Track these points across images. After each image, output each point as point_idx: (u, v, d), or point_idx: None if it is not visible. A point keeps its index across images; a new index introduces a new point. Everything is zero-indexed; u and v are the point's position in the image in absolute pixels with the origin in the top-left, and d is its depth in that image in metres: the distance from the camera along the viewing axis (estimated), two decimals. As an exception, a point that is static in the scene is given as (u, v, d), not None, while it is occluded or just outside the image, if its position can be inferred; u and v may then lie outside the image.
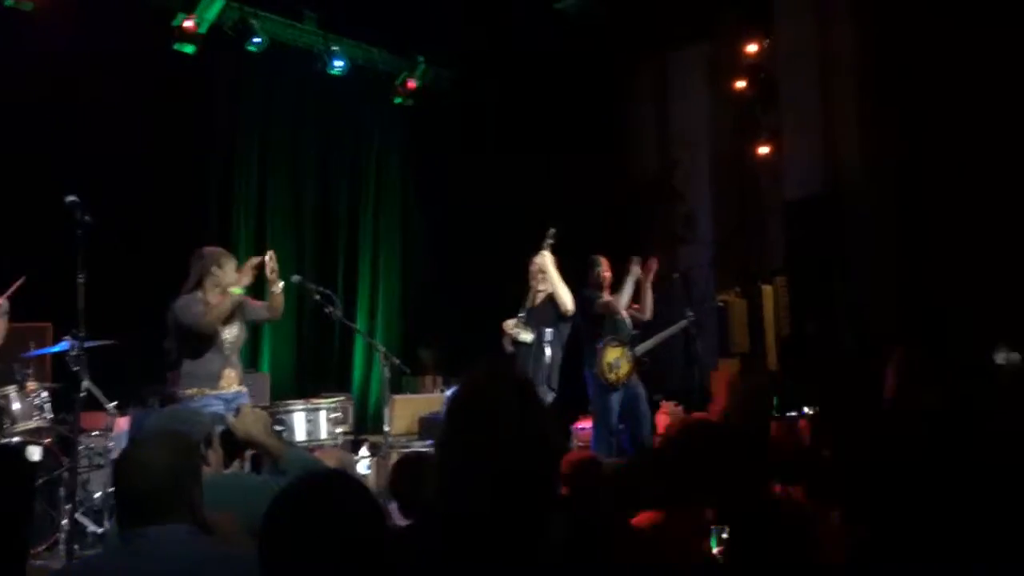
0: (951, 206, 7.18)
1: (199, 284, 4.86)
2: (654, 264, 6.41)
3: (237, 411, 2.74)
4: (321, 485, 1.61)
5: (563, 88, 9.31)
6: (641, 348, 6.33)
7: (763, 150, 9.03)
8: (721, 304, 8.15)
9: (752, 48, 8.93)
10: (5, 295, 5.30)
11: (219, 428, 2.69)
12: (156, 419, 2.70)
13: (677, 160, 9.77)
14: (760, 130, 9.09)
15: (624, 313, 6.29)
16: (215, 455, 2.61)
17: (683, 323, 6.47)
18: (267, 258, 4.96)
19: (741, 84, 9.11)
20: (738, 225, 9.41)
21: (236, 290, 4.80)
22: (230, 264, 4.88)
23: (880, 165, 7.82)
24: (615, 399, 6.18)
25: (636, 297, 6.42)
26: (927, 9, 7.39)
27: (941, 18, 7.27)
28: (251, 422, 2.67)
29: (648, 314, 6.42)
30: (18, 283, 5.32)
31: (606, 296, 6.24)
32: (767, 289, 8.43)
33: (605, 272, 6.30)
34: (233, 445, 2.71)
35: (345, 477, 1.71)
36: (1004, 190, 6.92)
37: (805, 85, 8.25)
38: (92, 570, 1.99)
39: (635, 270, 6.32)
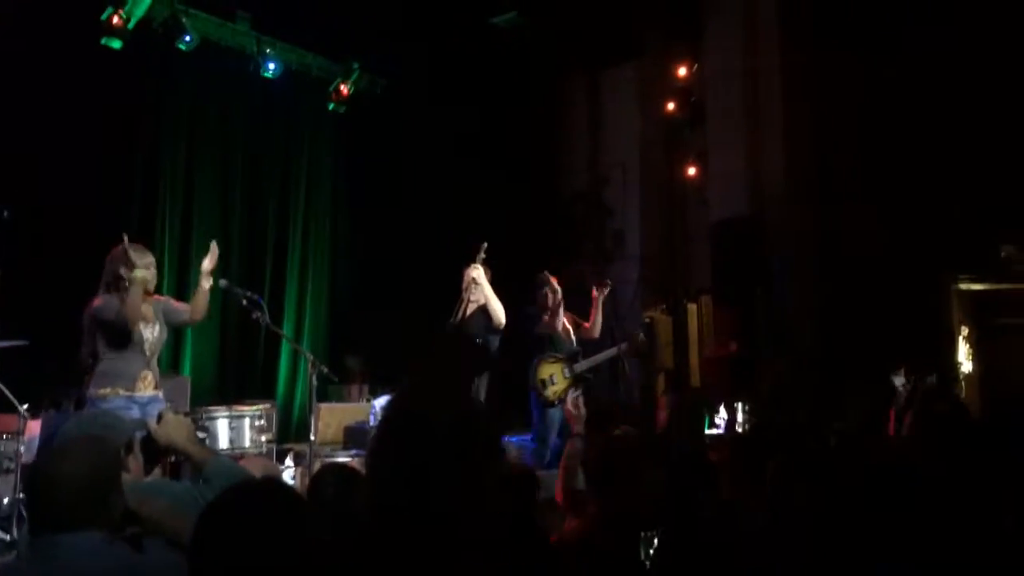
0: (870, 227, 7.47)
1: (112, 287, 4.70)
2: (607, 286, 6.63)
3: (159, 416, 2.67)
4: (253, 496, 1.59)
5: (496, 101, 9.38)
6: (580, 366, 6.45)
7: (691, 171, 9.24)
8: (647, 321, 8.29)
9: (682, 71, 9.14)
10: None
11: (140, 434, 2.62)
12: (75, 423, 2.60)
13: (608, 177, 9.92)
14: (688, 151, 9.30)
15: (562, 331, 6.41)
16: (135, 461, 2.53)
17: (615, 351, 6.62)
18: (212, 250, 4.87)
19: (671, 105, 9.30)
20: (666, 243, 9.59)
21: (136, 273, 4.61)
22: (136, 255, 4.68)
23: (802, 187, 8.08)
24: (554, 414, 6.26)
25: (585, 315, 6.63)
26: (851, 35, 7.69)
27: (865, 44, 7.57)
28: (174, 428, 2.60)
29: (596, 333, 6.60)
30: None
31: (547, 318, 6.36)
32: (692, 307, 8.61)
33: (553, 293, 6.40)
34: (154, 451, 2.64)
35: (277, 486, 1.69)
36: (922, 211, 7.21)
37: (730, 108, 8.48)
38: None
39: (597, 294, 6.57)
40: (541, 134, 10.02)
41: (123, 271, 4.66)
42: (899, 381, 5.39)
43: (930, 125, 7.20)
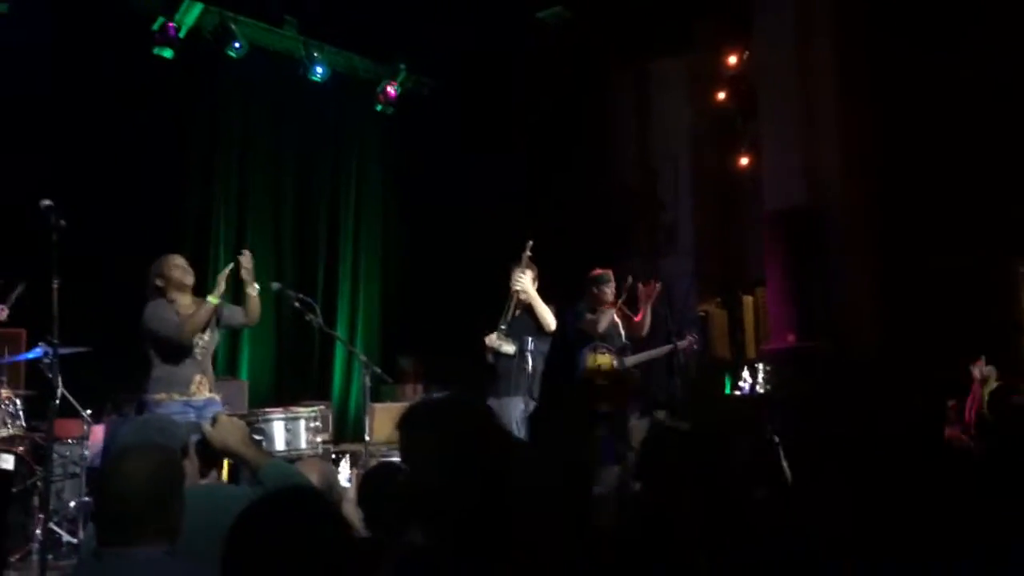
0: (930, 216, 7.25)
1: (160, 292, 4.82)
2: (657, 286, 6.57)
3: (214, 420, 2.68)
4: (284, 505, 1.57)
5: (544, 97, 9.32)
6: (631, 361, 6.43)
7: (743, 161, 9.08)
8: (702, 315, 8.18)
9: (732, 59, 8.98)
10: (7, 303, 5.26)
11: (195, 437, 2.63)
12: (131, 430, 2.63)
13: (658, 171, 9.80)
14: (741, 141, 9.14)
15: (610, 325, 6.37)
16: (191, 465, 2.54)
17: (669, 348, 6.59)
18: (242, 259, 4.93)
19: (721, 95, 9.15)
20: (719, 235, 9.44)
21: (212, 299, 4.75)
22: (171, 262, 4.84)
23: (859, 175, 7.88)
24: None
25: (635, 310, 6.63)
26: (907, 19, 7.48)
27: (921, 28, 7.36)
28: (228, 432, 2.61)
29: (645, 331, 6.57)
30: (17, 290, 5.28)
31: (596, 316, 6.33)
32: (748, 300, 8.47)
33: (611, 289, 6.38)
34: (209, 455, 2.65)
35: (313, 496, 1.67)
36: (982, 199, 7.00)
37: (784, 96, 8.30)
38: None
39: (644, 295, 6.54)
40: (590, 129, 9.93)
41: (159, 283, 4.77)
42: (979, 370, 5.27)
43: (992, 108, 6.98)
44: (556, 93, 9.36)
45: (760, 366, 7.03)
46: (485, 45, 8.85)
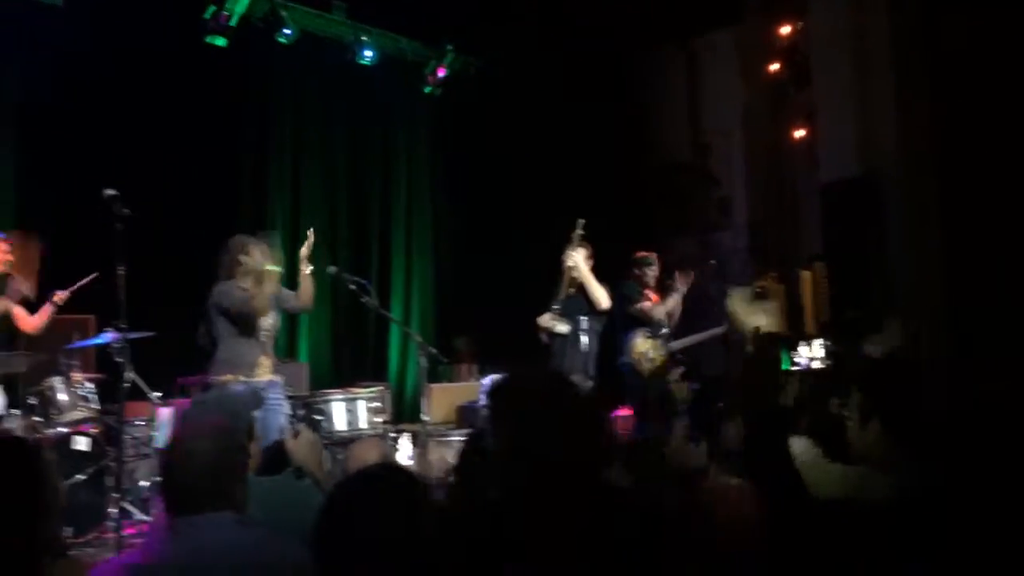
0: (994, 186, 7.05)
1: (230, 274, 4.91)
2: (691, 276, 6.56)
3: (297, 433, 2.75)
4: (373, 481, 1.61)
5: (593, 74, 9.25)
6: (677, 344, 6.41)
7: (798, 133, 8.92)
8: (758, 291, 8.08)
9: (784, 30, 8.81)
10: (70, 289, 5.43)
11: (258, 414, 2.69)
12: (198, 409, 2.70)
13: (710, 145, 9.67)
14: (794, 113, 8.97)
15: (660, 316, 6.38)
16: (255, 447, 2.60)
17: (720, 330, 6.56)
18: (309, 237, 5.04)
19: (774, 67, 8.99)
20: (774, 210, 9.30)
21: (273, 267, 4.82)
22: (256, 249, 4.91)
23: (918, 145, 7.68)
24: (652, 389, 6.25)
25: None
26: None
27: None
28: (308, 451, 2.68)
29: (674, 321, 6.54)
30: (88, 280, 5.44)
31: (646, 301, 6.36)
32: (805, 274, 8.33)
33: (654, 272, 6.36)
34: (282, 462, 2.71)
35: (396, 470, 1.70)
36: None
37: (840, 66, 8.11)
38: (144, 559, 2.00)
39: (680, 287, 6.51)
40: (639, 106, 9.84)
41: (243, 258, 4.85)
42: None
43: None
44: (604, 71, 9.28)
45: (819, 341, 6.93)
46: (532, 22, 8.81)
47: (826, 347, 7.00)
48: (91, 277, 5.47)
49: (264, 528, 2.02)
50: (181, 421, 4.99)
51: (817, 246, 8.38)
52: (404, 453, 5.82)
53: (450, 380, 8.02)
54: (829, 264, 8.06)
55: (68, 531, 4.63)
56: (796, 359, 6.98)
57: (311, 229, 5.22)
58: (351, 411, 5.36)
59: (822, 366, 6.80)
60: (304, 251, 5.08)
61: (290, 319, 7.51)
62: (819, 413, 3.75)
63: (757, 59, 9.17)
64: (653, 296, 6.46)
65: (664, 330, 6.45)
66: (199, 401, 2.95)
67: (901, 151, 7.75)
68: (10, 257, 5.34)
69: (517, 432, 1.75)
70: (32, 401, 5.23)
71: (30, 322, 5.43)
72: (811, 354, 6.81)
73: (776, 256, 8.88)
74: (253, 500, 2.10)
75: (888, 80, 7.83)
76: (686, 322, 6.68)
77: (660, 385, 6.32)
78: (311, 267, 5.10)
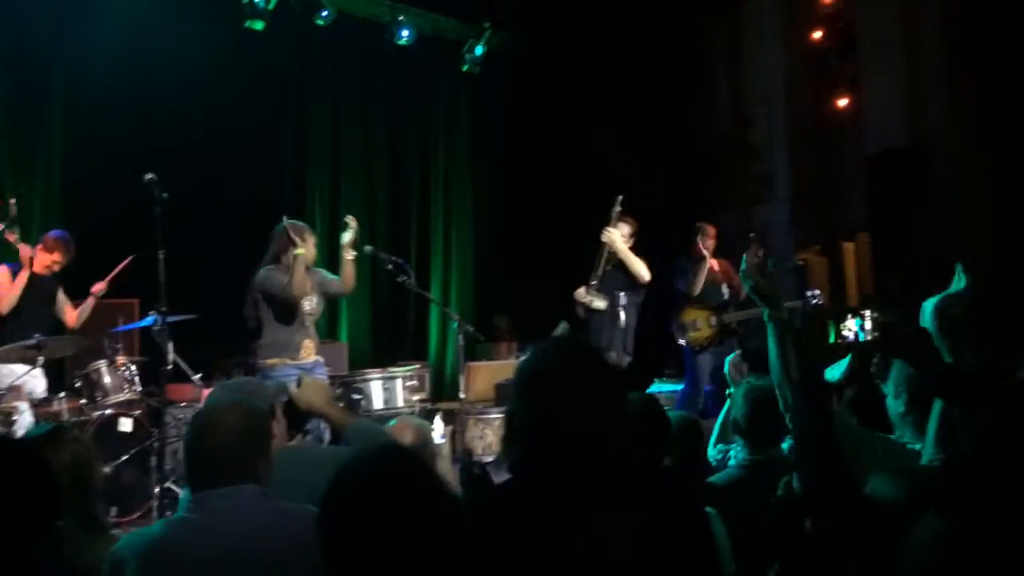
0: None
1: (276, 259, 4.96)
2: (759, 248, 6.47)
3: (299, 381, 2.75)
4: (377, 463, 1.60)
5: (632, 47, 9.12)
6: (732, 317, 6.35)
7: (842, 102, 8.70)
8: (801, 263, 7.95)
9: (828, -4, 8.58)
10: (107, 278, 5.55)
11: (282, 398, 2.71)
12: (221, 391, 2.73)
13: (752, 116, 9.49)
14: (839, 82, 8.76)
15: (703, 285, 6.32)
16: (278, 426, 2.61)
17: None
18: (351, 224, 5.08)
19: (818, 34, 8.77)
20: (817, 181, 9.11)
21: (298, 251, 4.85)
22: (296, 233, 4.94)
23: (966, 114, 7.46)
24: (703, 360, 6.25)
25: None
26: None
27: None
28: (312, 392, 2.68)
29: (738, 292, 6.48)
30: (124, 263, 5.56)
31: (697, 276, 6.35)
32: (849, 246, 8.17)
33: (709, 240, 6.31)
34: (295, 415, 2.73)
35: (403, 453, 1.69)
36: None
37: (886, 33, 7.91)
38: (172, 532, 2.03)
39: (751, 257, 6.40)
40: (681, 78, 9.68)
41: (286, 244, 4.91)
42: None
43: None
44: (644, 44, 9.13)
45: (866, 313, 6.81)
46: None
47: (873, 319, 6.87)
48: (126, 261, 5.59)
49: (287, 502, 2.04)
50: (208, 399, 5.10)
51: (860, 218, 8.21)
52: (438, 431, 5.85)
53: (489, 358, 8.03)
54: (873, 235, 7.89)
55: (113, 511, 4.74)
56: (844, 332, 6.87)
57: (350, 216, 5.24)
58: (388, 390, 5.40)
59: (869, 338, 6.68)
60: (348, 237, 5.11)
61: (330, 300, 7.58)
62: (862, 385, 3.68)
63: (800, 26, 8.96)
64: (713, 264, 6.41)
65: (722, 300, 6.41)
66: (225, 383, 2.98)
67: (952, 122, 7.54)
68: (58, 258, 5.45)
69: (543, 405, 1.73)
70: (78, 384, 5.36)
71: (72, 315, 5.63)
72: (858, 327, 6.70)
73: (819, 228, 8.71)
74: (277, 467, 2.12)
75: (938, 50, 7.60)
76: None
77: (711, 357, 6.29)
78: (354, 253, 5.14)
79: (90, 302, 5.63)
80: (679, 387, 6.85)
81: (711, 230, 6.45)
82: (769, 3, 9.34)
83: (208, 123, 7.26)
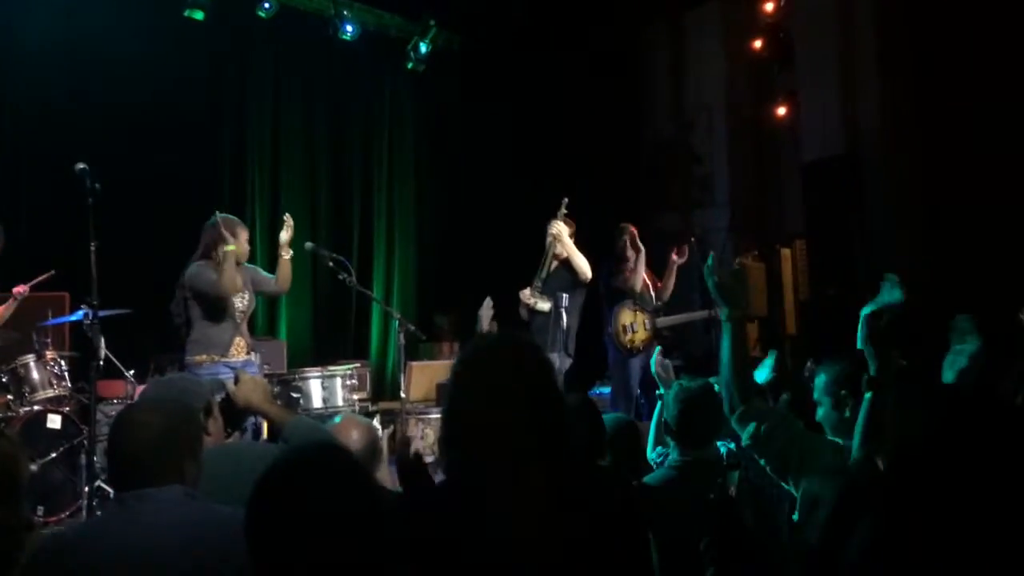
0: (975, 164, 7.04)
1: (207, 254, 4.85)
2: (686, 251, 6.62)
3: (236, 378, 2.70)
4: (306, 462, 1.56)
5: (576, 49, 9.18)
6: (664, 322, 6.42)
7: (781, 111, 8.89)
8: (738, 268, 8.07)
9: (769, 6, 8.75)
10: (28, 285, 5.37)
11: (219, 396, 2.66)
12: (154, 387, 2.66)
13: (693, 122, 9.64)
14: (777, 91, 8.95)
15: (643, 286, 6.39)
16: (215, 423, 2.55)
17: (706, 313, 6.57)
18: (287, 222, 5.02)
19: (758, 44, 8.95)
20: (756, 187, 9.28)
21: (229, 247, 4.77)
22: (228, 229, 4.85)
23: (900, 124, 7.68)
24: (634, 364, 6.26)
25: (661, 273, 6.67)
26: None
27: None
28: (250, 389, 2.63)
29: (667, 296, 6.62)
30: (45, 276, 5.40)
31: (627, 272, 6.38)
32: (786, 252, 8.34)
33: (631, 242, 6.36)
34: (234, 413, 2.67)
35: (335, 451, 1.67)
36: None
37: (822, 44, 8.10)
38: (89, 531, 1.97)
39: (675, 260, 6.60)
40: (623, 81, 9.78)
41: (216, 240, 4.81)
42: None
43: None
44: (588, 46, 9.20)
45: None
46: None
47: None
48: (48, 275, 5.44)
49: (216, 505, 1.97)
50: (141, 395, 4.99)
51: (797, 224, 8.38)
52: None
53: (431, 358, 8.00)
54: (809, 242, 8.07)
55: (40, 510, 4.60)
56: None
57: (287, 215, 5.18)
58: (327, 388, 5.33)
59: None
60: (284, 236, 5.04)
61: (269, 298, 7.47)
62: (796, 389, 3.75)
63: (741, 35, 9.12)
64: (629, 268, 6.44)
65: (654, 305, 6.47)
66: (157, 380, 2.90)
67: (884, 129, 7.75)
68: None
69: (481, 401, 1.72)
70: (4, 379, 5.19)
71: None
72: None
73: (757, 233, 8.88)
74: (211, 465, 2.07)
75: (871, 59, 7.81)
76: (676, 300, 6.71)
77: (641, 361, 6.32)
78: (291, 252, 5.07)
79: (11, 303, 5.43)
80: (607, 390, 6.88)
81: (632, 229, 6.48)
82: (710, 10, 9.49)
83: (144, 114, 7.10)
